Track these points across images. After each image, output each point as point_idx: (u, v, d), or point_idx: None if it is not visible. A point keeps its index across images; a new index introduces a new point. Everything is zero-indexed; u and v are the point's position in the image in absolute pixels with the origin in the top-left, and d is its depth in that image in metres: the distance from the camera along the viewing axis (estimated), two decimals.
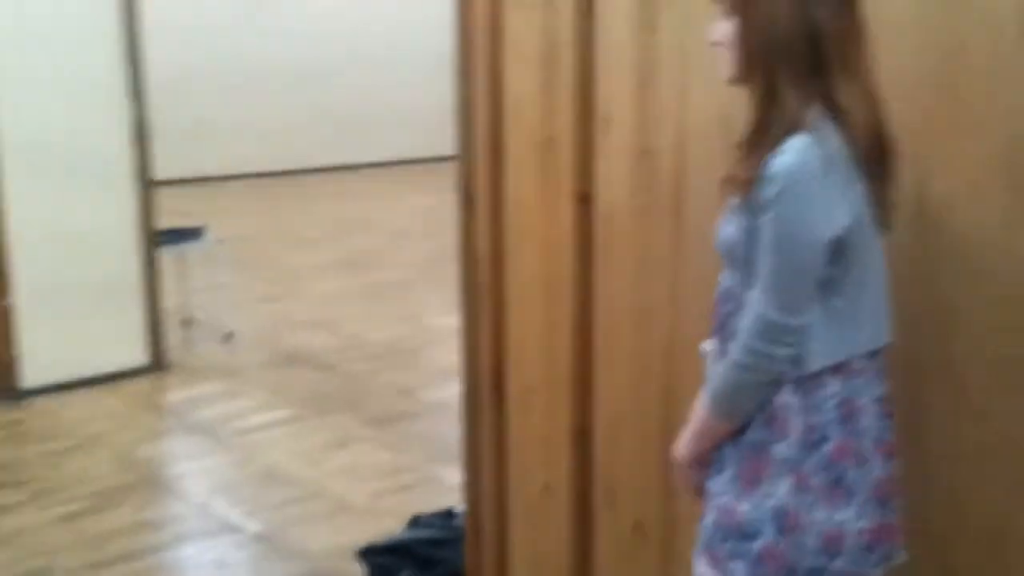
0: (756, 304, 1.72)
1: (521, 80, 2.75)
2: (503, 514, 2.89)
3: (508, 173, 2.82)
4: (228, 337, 5.62)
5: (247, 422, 4.63)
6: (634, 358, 2.46)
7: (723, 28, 1.79)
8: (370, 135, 11.06)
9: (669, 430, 2.39)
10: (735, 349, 1.75)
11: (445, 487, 3.79)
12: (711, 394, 1.81)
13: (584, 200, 2.55)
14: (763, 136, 1.73)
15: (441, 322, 5.44)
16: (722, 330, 1.86)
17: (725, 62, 1.80)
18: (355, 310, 6.39)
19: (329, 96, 10.87)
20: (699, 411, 1.85)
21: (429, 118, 10.44)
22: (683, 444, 1.90)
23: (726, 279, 1.86)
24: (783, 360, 1.72)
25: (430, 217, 7.41)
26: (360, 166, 10.98)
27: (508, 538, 2.89)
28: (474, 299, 2.94)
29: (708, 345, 1.94)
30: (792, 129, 1.71)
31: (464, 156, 2.93)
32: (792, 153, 1.69)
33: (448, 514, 3.40)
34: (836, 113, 1.73)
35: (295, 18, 10.55)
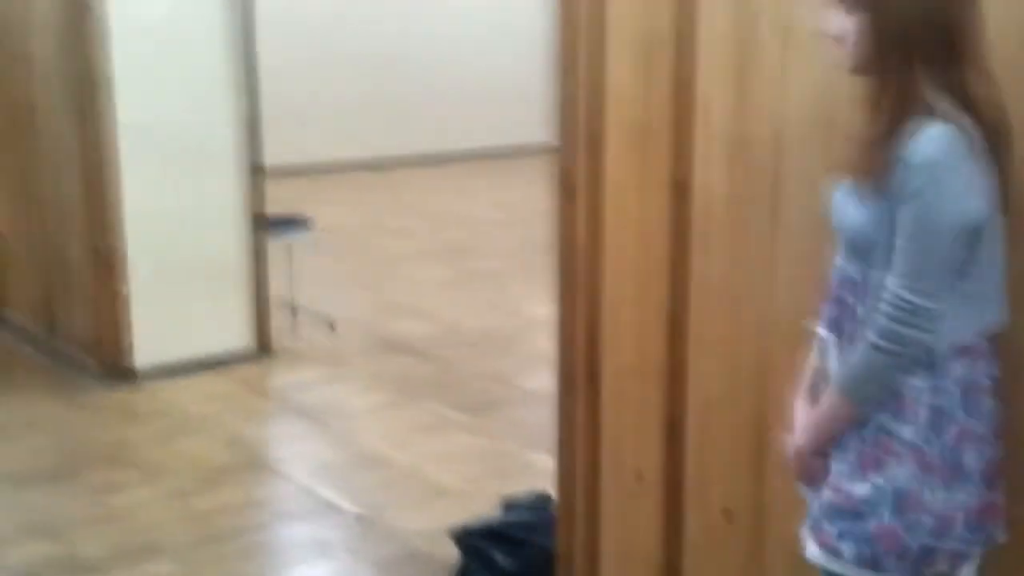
0: (894, 288, 1.75)
1: (621, 68, 2.77)
2: (594, 500, 2.93)
3: (606, 161, 2.85)
4: (330, 323, 5.74)
5: (347, 406, 4.73)
6: (727, 345, 2.48)
7: (842, 20, 1.82)
8: (468, 124, 11.11)
9: (760, 417, 2.41)
10: (872, 333, 1.77)
11: (539, 473, 3.83)
12: (844, 380, 1.83)
13: (681, 187, 2.57)
14: (896, 125, 1.76)
15: (535, 310, 5.49)
16: (840, 316, 1.89)
17: (845, 54, 1.83)
18: (452, 298, 6.47)
19: (429, 86, 10.94)
20: (826, 398, 1.86)
21: (527, 107, 10.46)
22: (805, 433, 1.91)
23: (844, 265, 1.89)
24: (920, 343, 1.75)
25: (525, 206, 7.47)
26: (457, 156, 11.05)
27: (599, 524, 2.93)
28: (570, 287, 2.98)
29: (821, 330, 1.96)
30: (925, 118, 1.74)
31: (564, 145, 2.96)
32: (934, 141, 1.73)
33: (541, 498, 3.44)
34: (967, 102, 1.76)
35: (398, 7, 10.65)
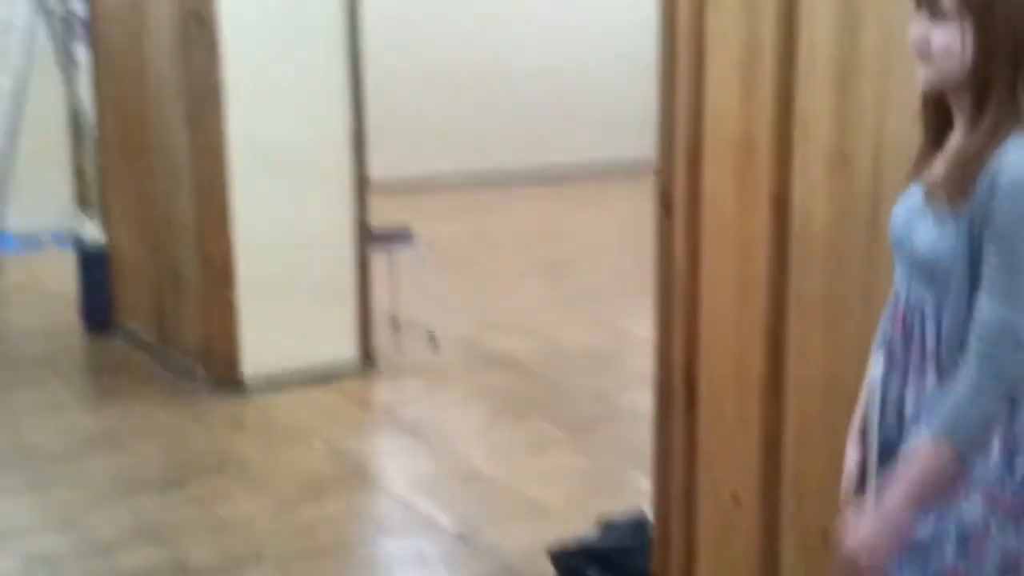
0: (996, 314, 1.67)
1: (721, 84, 2.74)
2: (691, 523, 2.88)
3: (705, 177, 2.82)
4: (433, 338, 5.77)
5: (449, 421, 4.75)
6: (826, 363, 2.42)
7: (941, 32, 1.75)
8: (576, 140, 11.10)
9: None
10: (975, 366, 1.67)
11: (638, 492, 3.79)
12: (946, 423, 1.69)
13: (780, 203, 2.52)
14: (994, 142, 1.71)
15: (640, 328, 5.42)
16: (907, 346, 1.81)
17: (936, 65, 1.77)
18: (554, 315, 6.45)
19: (536, 101, 10.96)
20: (919, 457, 1.70)
21: (635, 123, 10.42)
22: (895, 504, 1.71)
23: (912, 289, 1.82)
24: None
25: (630, 225, 7.41)
26: (561, 172, 11.04)
27: (696, 547, 2.88)
28: (668, 303, 2.95)
29: (877, 369, 1.87)
30: (1013, 135, 1.70)
31: (664, 161, 2.94)
32: None
33: (639, 519, 3.40)
34: None
35: (507, 23, 10.70)
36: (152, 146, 5.24)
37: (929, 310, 1.79)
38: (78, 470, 4.19)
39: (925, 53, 1.77)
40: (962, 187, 1.72)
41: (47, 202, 7.58)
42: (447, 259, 7.57)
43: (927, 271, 1.78)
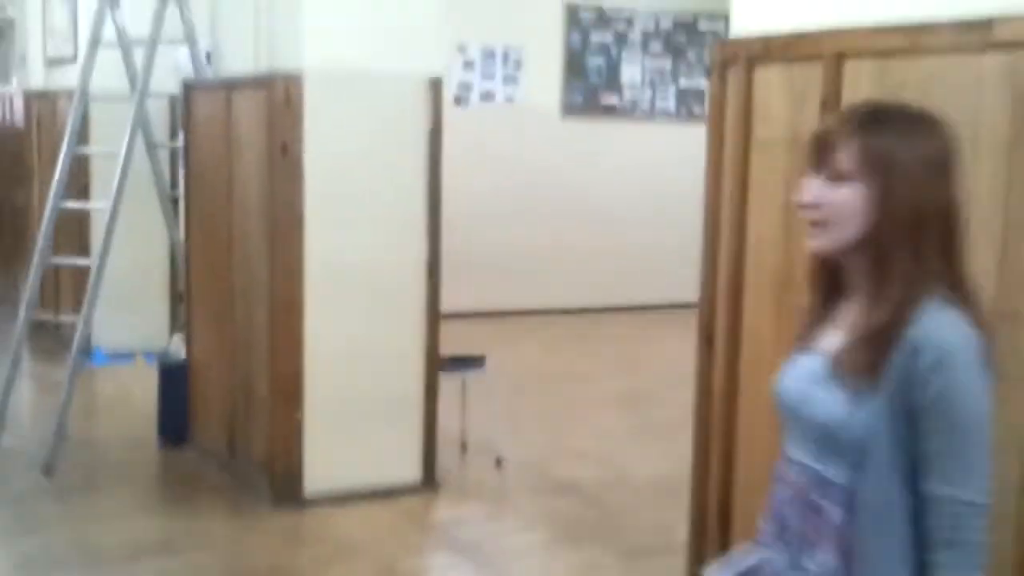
0: (958, 495, 1.64)
1: (763, 222, 2.82)
2: None
3: (745, 311, 2.88)
4: (499, 462, 5.82)
5: (505, 544, 4.77)
6: None
7: (839, 194, 1.71)
8: (650, 276, 11.14)
9: None
10: (953, 555, 1.64)
11: None
12: None
13: None
14: (904, 313, 1.67)
15: None
16: (804, 523, 1.78)
17: (836, 232, 1.72)
18: (625, 445, 6.46)
19: (613, 237, 11.07)
20: None
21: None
22: None
23: (812, 464, 1.77)
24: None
25: None
26: (641, 306, 11.08)
27: None
28: (705, 435, 2.99)
29: (765, 536, 1.86)
30: (932, 304, 1.67)
31: (704, 295, 3.02)
32: (951, 326, 1.66)
33: None
34: (961, 291, 1.71)
35: (578, 157, 10.89)
36: (235, 267, 5.46)
37: (835, 484, 1.74)
38: (132, 575, 4.29)
39: (821, 216, 1.73)
40: (874, 364, 1.68)
41: (143, 321, 7.91)
42: (523, 386, 7.64)
43: (835, 445, 1.74)
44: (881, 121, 1.75)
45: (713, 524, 2.94)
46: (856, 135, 1.72)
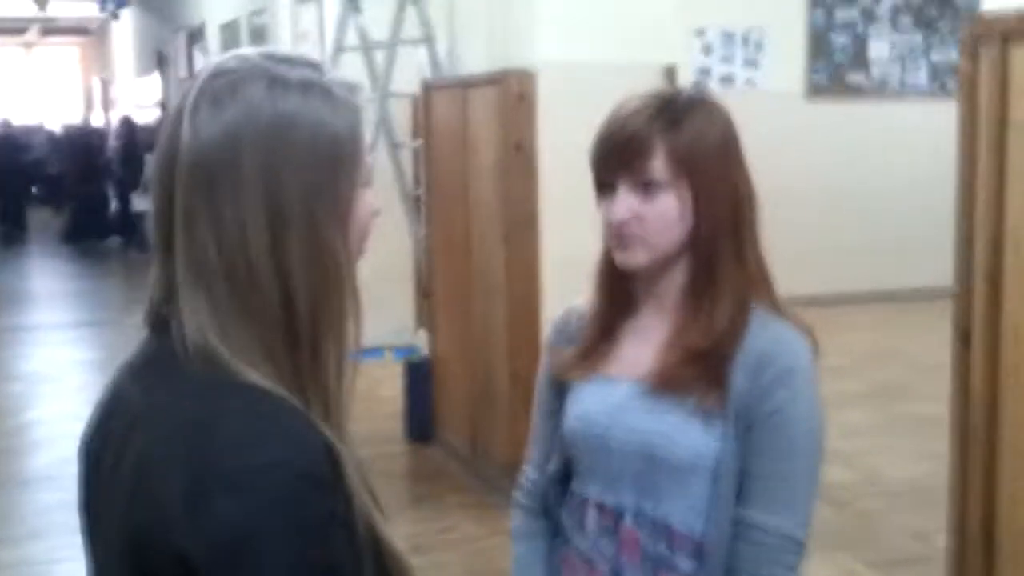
0: (782, 527, 1.50)
1: (1022, 209, 2.60)
2: None
3: (1004, 306, 2.66)
4: None
5: None
6: None
7: (655, 206, 1.56)
8: (902, 261, 10.65)
9: None
10: None
11: None
12: None
13: None
14: (737, 324, 1.53)
15: None
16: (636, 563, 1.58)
17: (654, 245, 1.57)
18: (877, 443, 6.17)
19: (857, 220, 10.64)
20: None
21: None
22: None
23: (645, 509, 1.57)
24: None
25: None
26: (889, 294, 10.59)
27: None
28: (964, 442, 2.78)
29: None
30: (751, 312, 1.53)
31: (960, 289, 2.80)
32: (790, 338, 1.53)
33: None
34: (774, 296, 1.61)
35: (823, 139, 10.49)
36: (473, 265, 5.49)
37: (679, 531, 1.55)
38: None
39: (635, 233, 1.56)
40: (716, 380, 1.51)
41: (391, 316, 8.11)
42: None
43: (682, 483, 1.54)
44: (680, 117, 1.58)
45: (975, 538, 2.73)
46: (660, 137, 1.56)
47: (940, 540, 4.64)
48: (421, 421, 6.08)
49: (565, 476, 1.72)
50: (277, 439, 1.09)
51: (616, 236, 1.59)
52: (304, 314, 1.16)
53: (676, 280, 1.61)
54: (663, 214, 1.56)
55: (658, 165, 1.55)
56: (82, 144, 18.47)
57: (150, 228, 11.43)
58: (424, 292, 6.73)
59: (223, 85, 1.15)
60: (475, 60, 5.65)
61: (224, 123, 1.13)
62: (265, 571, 1.04)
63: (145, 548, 1.08)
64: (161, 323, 1.19)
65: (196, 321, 1.13)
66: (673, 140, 1.56)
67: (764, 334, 1.55)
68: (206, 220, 1.13)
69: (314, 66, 1.20)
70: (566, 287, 5.15)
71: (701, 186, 1.56)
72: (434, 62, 6.52)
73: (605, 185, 1.62)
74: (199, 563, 1.04)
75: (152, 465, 1.10)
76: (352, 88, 1.22)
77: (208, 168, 1.13)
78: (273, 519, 1.05)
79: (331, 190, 1.17)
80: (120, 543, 1.12)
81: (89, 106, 29.15)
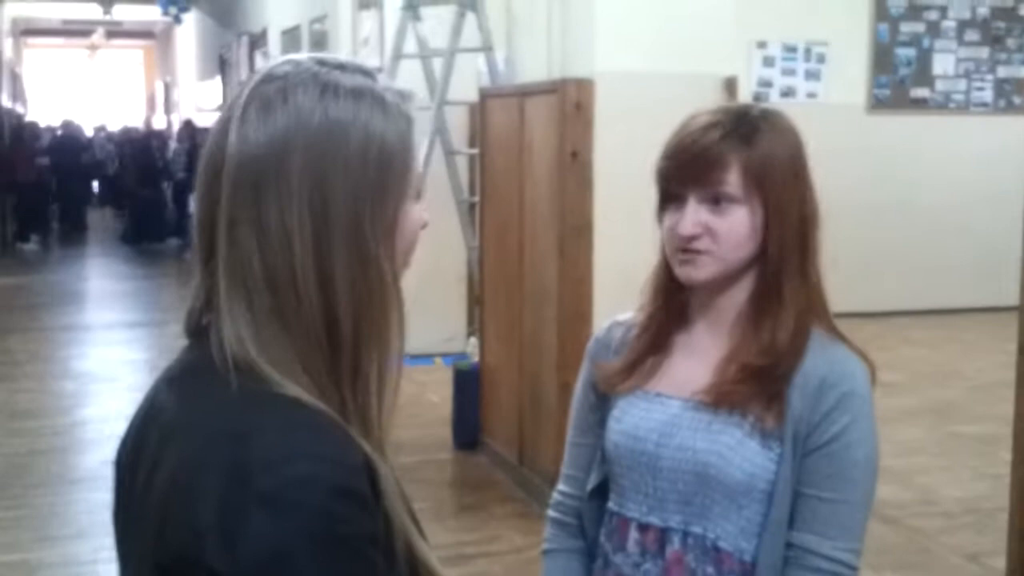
0: (833, 553, 1.47)
1: None
2: None
3: None
4: None
5: None
6: None
7: (726, 219, 1.54)
8: (963, 278, 10.48)
9: None
10: None
11: None
12: None
13: None
14: (798, 344, 1.50)
15: None
16: None
17: (723, 259, 1.55)
18: (931, 462, 6.06)
19: (919, 234, 10.49)
20: None
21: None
22: None
23: (692, 529, 1.53)
24: None
25: None
26: (951, 311, 10.42)
27: None
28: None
29: None
30: (809, 331, 1.51)
31: None
32: (851, 362, 1.50)
33: None
34: (830, 319, 1.60)
35: (886, 154, 10.35)
36: (526, 274, 5.47)
37: (727, 552, 1.51)
38: None
39: (705, 247, 1.54)
40: (774, 400, 1.48)
41: (442, 323, 8.12)
42: None
43: (731, 503, 1.51)
44: (754, 133, 1.55)
45: None
46: (735, 152, 1.53)
47: (995, 562, 4.55)
48: (469, 429, 6.06)
49: (602, 492, 1.68)
50: (314, 454, 1.05)
51: (683, 249, 1.57)
52: (346, 326, 1.12)
53: (736, 297, 1.58)
54: (734, 229, 1.54)
55: (732, 179, 1.53)
56: (142, 146, 18.71)
57: None
58: (476, 300, 6.72)
59: (274, 90, 1.12)
60: (533, 68, 5.64)
61: (273, 129, 1.11)
62: None
63: (177, 563, 1.05)
64: (200, 331, 1.16)
65: (235, 330, 1.10)
66: (747, 155, 1.54)
67: (824, 356, 1.52)
68: (250, 227, 1.10)
69: (367, 73, 1.17)
70: (618, 297, 5.11)
71: (773, 202, 1.54)
72: (492, 70, 6.51)
73: (671, 197, 1.59)
74: None
75: (185, 479, 1.07)
76: (405, 96, 1.18)
77: (255, 174, 1.10)
78: (309, 537, 1.02)
79: (379, 200, 1.13)
80: (152, 556, 1.09)
81: (151, 109, 29.53)
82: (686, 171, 1.56)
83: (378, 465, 1.10)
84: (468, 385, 6.10)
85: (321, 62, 1.16)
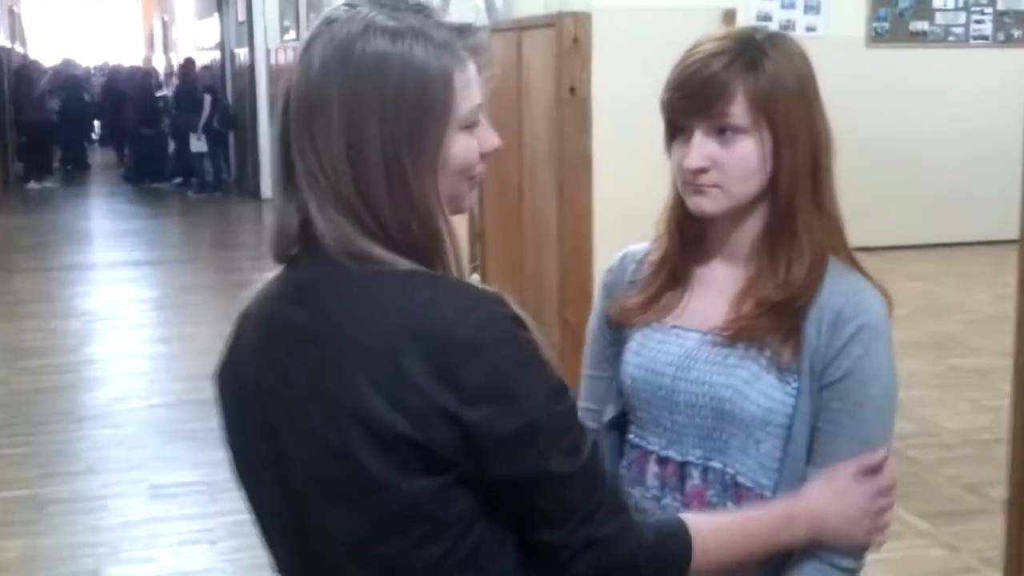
0: None
1: None
2: None
3: None
4: None
5: None
6: None
7: (734, 150, 1.49)
8: (962, 212, 10.46)
9: None
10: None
11: None
12: None
13: None
14: (817, 276, 1.48)
15: None
16: None
17: (733, 191, 1.51)
18: (932, 395, 6.09)
19: (918, 170, 10.46)
20: None
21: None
22: None
23: (714, 464, 1.52)
24: None
25: None
26: (948, 244, 10.42)
27: None
28: None
29: None
30: (825, 262, 1.50)
31: None
32: (867, 292, 1.50)
33: None
34: (847, 248, 1.59)
35: (885, 88, 10.29)
36: (525, 211, 5.46)
37: (748, 488, 1.50)
38: None
39: (713, 180, 1.50)
40: (791, 333, 1.46)
41: None
42: None
43: (752, 438, 1.49)
44: (760, 58, 1.50)
45: None
46: (740, 80, 1.48)
47: (995, 492, 4.60)
48: None
49: (620, 425, 1.67)
50: (477, 300, 1.23)
51: (691, 183, 1.53)
52: (402, 242, 1.24)
53: (751, 229, 1.55)
54: (742, 160, 1.49)
55: (737, 110, 1.49)
56: (139, 85, 18.59)
57: (207, 169, 11.62)
58: (477, 236, 6.72)
59: (325, 32, 1.24)
60: (530, 3, 5.58)
61: (321, 64, 1.23)
62: (524, 401, 1.20)
63: (401, 437, 1.17)
64: (292, 257, 1.28)
65: (339, 234, 1.22)
66: (753, 82, 1.49)
67: (840, 288, 1.50)
68: (312, 158, 1.23)
69: (421, 10, 1.25)
70: (619, 233, 5.09)
71: (782, 131, 1.49)
72: (489, 5, 6.45)
73: (678, 129, 1.56)
74: (471, 431, 1.18)
75: (378, 364, 1.18)
76: (463, 31, 1.26)
77: (308, 107, 1.23)
78: (515, 362, 1.21)
79: (418, 133, 1.22)
80: (334, 442, 1.19)
81: (151, 48, 29.31)
82: (691, 103, 1.52)
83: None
84: None
85: (378, 3, 1.25)
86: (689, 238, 1.61)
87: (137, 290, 9.23)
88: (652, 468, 1.58)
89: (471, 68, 1.26)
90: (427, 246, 1.25)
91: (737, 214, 1.54)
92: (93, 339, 7.66)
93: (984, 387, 6.23)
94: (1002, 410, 5.79)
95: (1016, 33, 10.52)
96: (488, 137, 1.31)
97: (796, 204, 1.50)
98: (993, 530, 4.25)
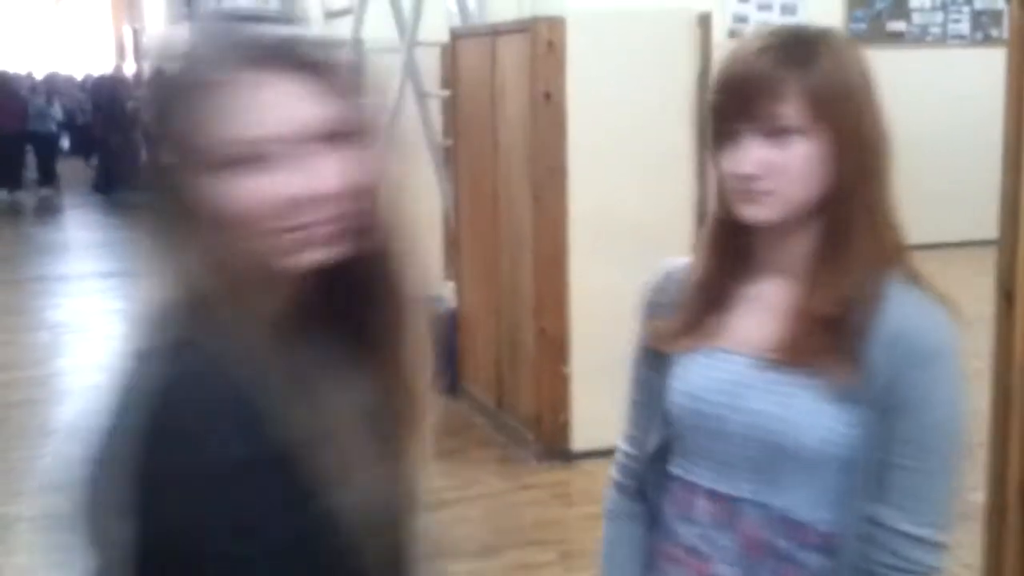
0: (905, 527, 1.36)
1: None
2: None
3: None
4: None
5: None
6: None
7: (791, 154, 1.36)
8: (942, 213, 10.46)
9: None
10: None
11: None
12: None
13: None
14: (877, 293, 1.35)
15: None
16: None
17: (788, 197, 1.38)
18: None
19: (902, 171, 10.42)
20: None
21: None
22: None
23: (765, 500, 1.41)
24: None
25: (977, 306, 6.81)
26: (928, 245, 10.38)
27: None
28: (1005, 404, 2.68)
29: None
30: (886, 279, 1.36)
31: (1005, 243, 2.69)
32: (933, 313, 1.36)
33: None
34: (910, 264, 1.44)
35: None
36: (501, 217, 5.40)
37: (804, 524, 1.40)
38: None
39: (768, 184, 1.36)
40: (850, 355, 1.33)
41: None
42: None
43: (811, 471, 1.38)
44: (813, 54, 1.39)
45: (1015, 501, 2.64)
46: (793, 77, 1.36)
47: (976, 496, 4.55)
48: (446, 373, 6.01)
49: (663, 455, 1.56)
50: None
51: (743, 190, 1.39)
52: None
53: (804, 241, 1.42)
54: (798, 164, 1.37)
55: (791, 110, 1.36)
56: (108, 94, 18.43)
57: None
58: (452, 243, 6.65)
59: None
60: (504, 8, 5.52)
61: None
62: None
63: None
64: None
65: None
66: (808, 80, 1.37)
67: (904, 306, 1.37)
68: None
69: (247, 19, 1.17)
70: (594, 240, 5.07)
71: (842, 131, 1.38)
72: (463, 10, 6.39)
73: (725, 135, 1.41)
74: None
75: None
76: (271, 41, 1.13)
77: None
78: None
79: (191, 172, 1.16)
80: None
81: (121, 56, 29.09)
82: (740, 104, 1.38)
83: None
84: (445, 330, 6.04)
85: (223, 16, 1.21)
86: (733, 254, 1.48)
87: (107, 301, 9.10)
88: (701, 503, 1.48)
89: (272, 87, 1.06)
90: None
91: (791, 224, 1.41)
92: (63, 351, 7.54)
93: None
94: (983, 413, 5.76)
95: (994, 32, 10.51)
96: (282, 181, 1.03)
97: (854, 211, 1.39)
98: (974, 536, 4.20)
